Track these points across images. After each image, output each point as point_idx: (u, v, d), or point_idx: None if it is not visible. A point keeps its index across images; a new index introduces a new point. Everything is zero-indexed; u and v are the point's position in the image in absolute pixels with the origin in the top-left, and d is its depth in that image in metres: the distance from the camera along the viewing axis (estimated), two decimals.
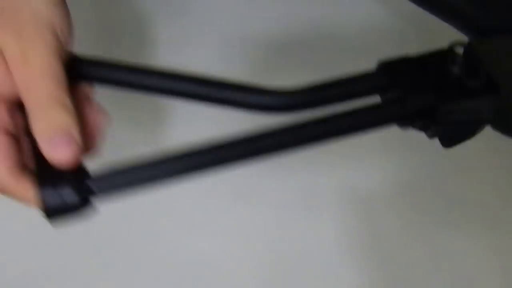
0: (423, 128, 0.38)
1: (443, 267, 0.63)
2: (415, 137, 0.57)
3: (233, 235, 0.64)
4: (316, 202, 0.64)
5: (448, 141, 0.39)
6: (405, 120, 0.37)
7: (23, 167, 0.36)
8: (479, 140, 0.57)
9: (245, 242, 0.64)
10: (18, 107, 0.35)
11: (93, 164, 0.37)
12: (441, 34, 0.70)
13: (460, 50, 0.38)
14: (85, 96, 0.37)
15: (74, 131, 0.34)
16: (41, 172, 0.34)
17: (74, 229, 0.62)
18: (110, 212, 0.63)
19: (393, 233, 0.64)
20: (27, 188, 0.36)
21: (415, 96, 0.36)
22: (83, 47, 0.71)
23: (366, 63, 0.69)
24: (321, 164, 0.62)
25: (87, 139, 0.36)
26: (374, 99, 0.38)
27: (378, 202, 0.64)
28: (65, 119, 0.33)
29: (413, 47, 0.70)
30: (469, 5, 0.38)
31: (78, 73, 0.37)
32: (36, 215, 0.66)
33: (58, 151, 0.33)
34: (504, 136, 0.40)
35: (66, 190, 0.34)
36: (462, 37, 0.41)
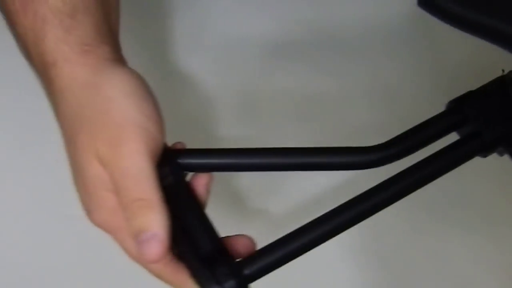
0: (501, 152, 0.42)
1: (444, 266, 0.63)
2: None
3: (232, 234, 0.64)
4: (316, 201, 0.64)
5: None
6: (485, 150, 0.41)
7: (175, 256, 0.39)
8: None
9: None
10: None
11: None
12: (442, 34, 0.71)
13: None
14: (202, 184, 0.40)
15: (160, 230, 0.35)
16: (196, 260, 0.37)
17: (74, 229, 0.62)
18: None
19: (393, 233, 0.64)
20: (184, 279, 0.38)
21: (492, 127, 0.40)
22: None
23: (366, 63, 0.69)
24: None
25: None
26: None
27: None
28: (150, 221, 0.36)
29: (413, 47, 0.70)
30: None
31: (180, 165, 0.39)
32: (36, 215, 0.66)
33: (145, 249, 0.36)
34: None
35: (228, 283, 0.36)
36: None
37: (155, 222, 0.35)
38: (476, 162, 0.58)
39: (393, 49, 0.69)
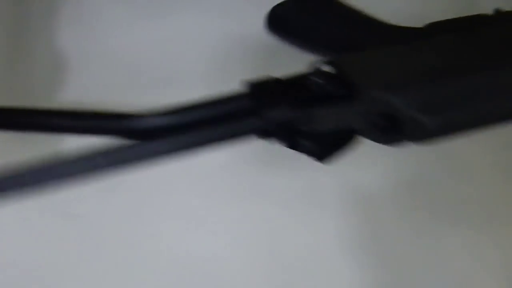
0: (292, 143, 0.39)
1: (443, 266, 0.63)
2: None
3: (233, 233, 0.64)
4: (317, 200, 0.64)
5: (320, 154, 0.39)
6: (268, 133, 0.38)
7: None
8: (479, 140, 0.57)
9: (245, 240, 0.64)
10: None
11: None
12: None
13: (322, 68, 0.39)
14: None
15: None
16: None
17: (74, 229, 0.62)
18: (110, 212, 0.63)
19: (393, 232, 0.64)
20: None
21: (270, 107, 0.37)
22: (82, 46, 0.71)
23: None
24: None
25: None
26: None
27: (379, 200, 0.64)
28: None
29: None
30: None
31: None
32: (36, 215, 0.66)
33: None
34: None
35: None
36: None
37: None
38: (476, 161, 0.58)
39: None
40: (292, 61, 0.69)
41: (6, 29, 0.66)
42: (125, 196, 0.62)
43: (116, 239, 0.63)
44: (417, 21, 0.70)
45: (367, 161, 0.65)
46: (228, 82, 0.67)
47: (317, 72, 0.38)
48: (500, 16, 0.41)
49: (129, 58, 0.68)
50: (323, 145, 0.39)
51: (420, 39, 0.39)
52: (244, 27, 0.69)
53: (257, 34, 0.69)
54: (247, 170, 0.62)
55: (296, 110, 0.37)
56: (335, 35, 0.42)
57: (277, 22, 0.42)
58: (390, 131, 0.36)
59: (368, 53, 0.38)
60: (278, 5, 0.43)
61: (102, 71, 0.66)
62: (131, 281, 0.62)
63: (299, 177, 0.64)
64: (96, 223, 0.63)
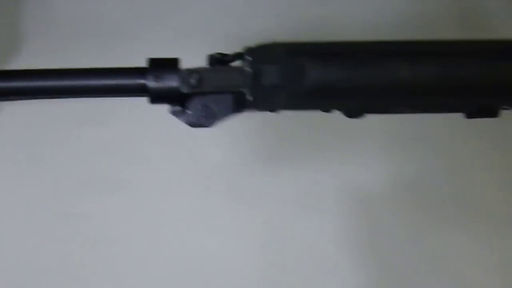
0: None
1: (443, 266, 0.63)
2: (416, 136, 0.57)
3: (232, 233, 0.64)
4: (316, 201, 0.64)
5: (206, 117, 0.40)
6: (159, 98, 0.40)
7: None
8: (479, 140, 0.57)
9: (245, 240, 0.63)
10: None
11: None
12: (440, 31, 0.70)
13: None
14: None
15: None
16: None
17: (74, 229, 0.62)
18: (110, 212, 0.63)
19: (392, 232, 0.64)
20: None
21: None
22: (81, 44, 0.71)
23: None
24: (321, 163, 0.62)
25: None
26: None
27: (378, 201, 0.64)
28: None
29: None
30: None
31: None
32: (36, 215, 0.66)
33: None
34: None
35: None
36: None
37: None
38: (476, 162, 0.58)
39: None
40: None
41: None
42: (125, 197, 0.62)
43: (116, 239, 0.63)
44: (417, 21, 0.70)
45: (366, 161, 0.65)
46: None
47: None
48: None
49: None
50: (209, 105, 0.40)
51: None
52: (244, 27, 0.69)
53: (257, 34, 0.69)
54: (246, 171, 0.62)
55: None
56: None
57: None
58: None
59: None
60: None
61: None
62: (130, 281, 0.62)
63: (298, 177, 0.64)
64: (95, 223, 0.63)
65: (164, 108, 0.65)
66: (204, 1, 0.70)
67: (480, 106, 0.40)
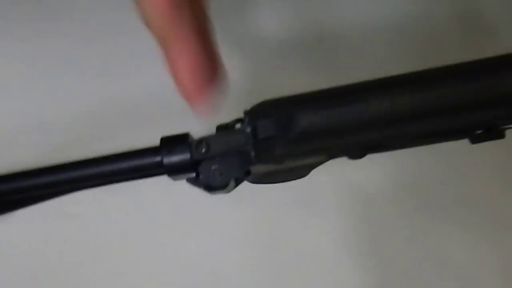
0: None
1: (443, 266, 0.63)
2: None
3: (231, 234, 0.64)
4: (316, 201, 0.64)
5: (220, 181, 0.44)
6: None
7: None
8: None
9: (244, 240, 0.64)
10: None
11: None
12: (442, 34, 0.71)
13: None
14: None
15: None
16: None
17: (74, 229, 0.62)
18: (109, 213, 0.63)
19: (393, 232, 0.64)
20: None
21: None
22: (81, 48, 0.71)
23: (368, 63, 0.69)
24: None
25: None
26: None
27: (378, 200, 0.65)
28: None
29: (415, 47, 0.70)
30: None
31: None
32: (35, 216, 0.66)
33: None
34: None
35: None
36: None
37: None
38: (476, 162, 0.58)
39: (395, 49, 0.69)
40: (293, 60, 0.69)
41: None
42: (124, 197, 0.62)
43: (116, 239, 0.63)
44: (417, 23, 0.70)
45: (366, 161, 0.65)
46: (228, 84, 0.67)
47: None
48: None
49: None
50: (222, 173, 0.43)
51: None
52: (244, 28, 0.70)
53: (257, 34, 0.69)
54: None
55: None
56: None
57: None
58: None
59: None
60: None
61: None
62: (130, 281, 0.62)
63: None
64: (95, 224, 0.64)
65: (161, 113, 0.65)
66: None
67: (480, 127, 0.41)
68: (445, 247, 0.64)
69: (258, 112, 0.42)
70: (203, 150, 0.42)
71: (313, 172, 0.45)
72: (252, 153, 0.42)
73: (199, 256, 0.63)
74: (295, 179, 0.46)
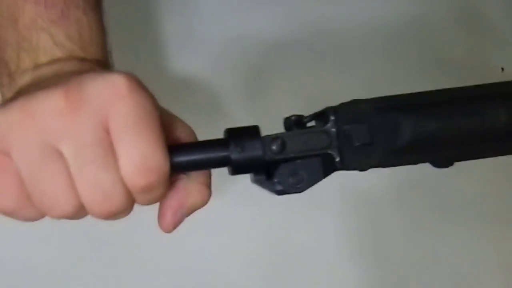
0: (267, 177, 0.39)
1: (443, 265, 0.63)
2: None
3: (232, 233, 0.64)
4: (316, 200, 0.64)
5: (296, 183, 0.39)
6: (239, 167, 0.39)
7: None
8: None
9: (245, 240, 0.64)
10: None
11: None
12: (442, 34, 0.71)
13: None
14: None
15: None
16: None
17: (74, 229, 0.62)
18: None
19: (393, 231, 0.64)
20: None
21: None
22: None
23: (367, 63, 0.69)
24: None
25: None
26: None
27: (379, 200, 0.65)
28: None
29: (414, 47, 0.70)
30: None
31: None
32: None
33: None
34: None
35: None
36: None
37: None
38: (476, 162, 0.58)
39: (394, 49, 0.69)
40: (293, 61, 0.69)
41: None
42: None
43: (115, 239, 0.63)
44: (417, 23, 0.70)
45: None
46: (229, 84, 0.67)
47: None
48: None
49: None
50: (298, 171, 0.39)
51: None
52: (244, 27, 0.70)
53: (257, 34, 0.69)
54: None
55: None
56: None
57: None
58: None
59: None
60: None
61: None
62: (130, 281, 0.62)
63: None
64: (95, 224, 0.63)
65: None
66: (204, 1, 0.70)
67: None
68: (445, 246, 0.64)
69: (349, 114, 0.37)
70: (276, 150, 0.38)
71: None
72: (338, 158, 0.37)
73: (199, 256, 0.63)
74: None
